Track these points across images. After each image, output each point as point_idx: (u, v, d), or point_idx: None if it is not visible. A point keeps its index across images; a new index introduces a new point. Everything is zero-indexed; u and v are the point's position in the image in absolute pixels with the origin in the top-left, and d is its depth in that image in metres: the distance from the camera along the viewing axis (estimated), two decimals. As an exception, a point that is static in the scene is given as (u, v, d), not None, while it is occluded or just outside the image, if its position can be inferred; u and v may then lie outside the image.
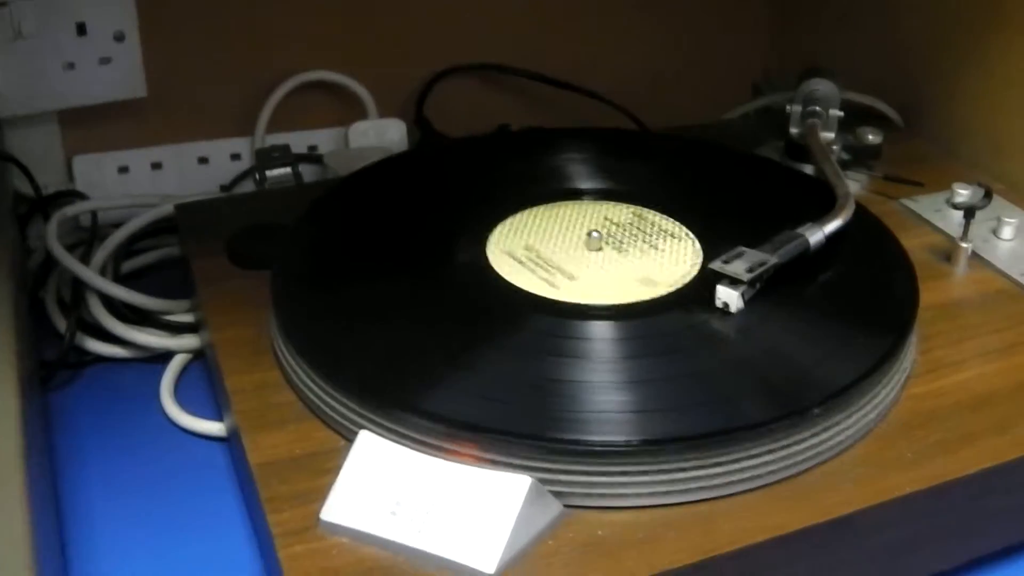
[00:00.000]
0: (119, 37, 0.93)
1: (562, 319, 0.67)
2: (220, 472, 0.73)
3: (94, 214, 0.92)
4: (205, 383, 0.80)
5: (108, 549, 0.67)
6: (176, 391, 0.79)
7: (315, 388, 0.64)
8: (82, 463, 0.74)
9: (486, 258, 0.74)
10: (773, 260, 0.69)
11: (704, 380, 0.63)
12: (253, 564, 0.66)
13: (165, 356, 0.82)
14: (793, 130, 0.91)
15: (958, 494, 0.62)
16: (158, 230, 0.92)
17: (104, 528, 0.69)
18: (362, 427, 0.60)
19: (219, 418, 0.75)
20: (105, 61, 0.94)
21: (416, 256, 0.74)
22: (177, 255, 0.91)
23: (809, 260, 0.72)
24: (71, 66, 0.93)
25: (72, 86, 0.94)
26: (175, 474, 0.73)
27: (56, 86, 0.93)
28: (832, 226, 0.73)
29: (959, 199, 0.85)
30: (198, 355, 0.82)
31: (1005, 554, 0.68)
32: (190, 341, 0.81)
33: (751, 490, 0.60)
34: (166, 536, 0.68)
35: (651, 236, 0.77)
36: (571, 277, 0.72)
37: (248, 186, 1.01)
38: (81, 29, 0.92)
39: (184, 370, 0.82)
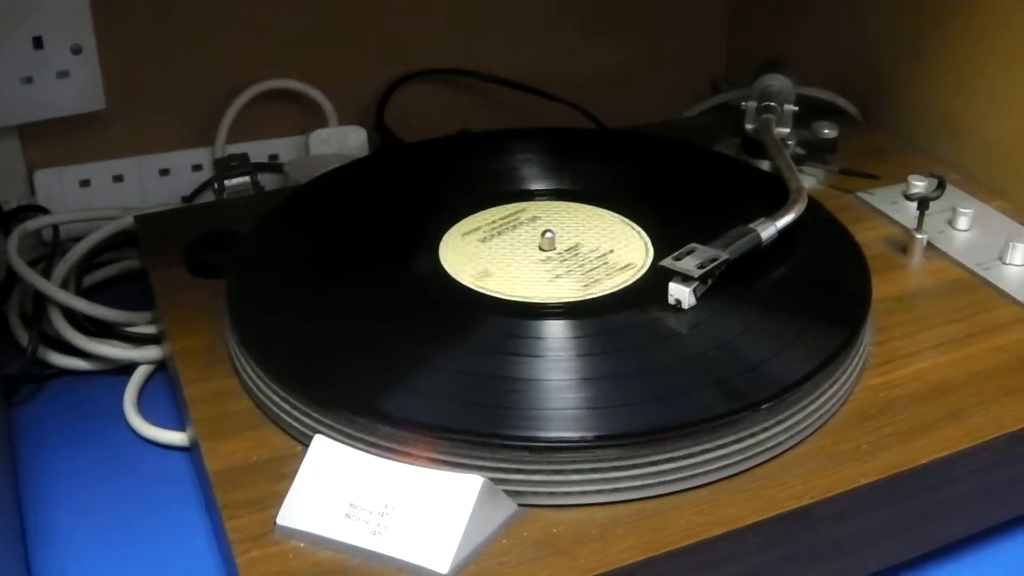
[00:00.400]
0: (76, 50, 0.93)
1: (514, 318, 0.68)
2: (184, 481, 0.73)
3: (55, 228, 0.92)
4: (168, 394, 0.80)
5: (74, 560, 0.68)
6: (139, 402, 0.79)
7: (270, 394, 0.64)
8: (47, 476, 0.74)
9: (439, 260, 0.74)
10: (724, 256, 0.69)
11: (657, 376, 0.63)
12: (218, 570, 0.66)
13: (128, 368, 0.82)
14: (748, 126, 0.92)
15: (913, 484, 0.62)
16: (119, 243, 0.92)
17: (70, 539, 0.69)
18: (316, 431, 0.61)
19: (182, 428, 0.75)
20: (63, 74, 0.94)
21: (370, 260, 0.75)
22: (138, 267, 0.91)
23: (762, 255, 0.73)
24: (29, 80, 0.93)
25: (31, 100, 0.94)
26: (140, 485, 0.73)
27: (15, 100, 0.93)
28: (784, 221, 0.74)
29: (914, 191, 0.85)
30: (161, 366, 0.82)
31: (961, 544, 0.69)
32: (153, 352, 0.82)
33: (705, 484, 0.60)
34: (131, 546, 0.68)
35: (605, 234, 0.77)
36: (524, 276, 0.72)
37: (210, 196, 1.01)
38: (38, 43, 0.92)
39: (147, 381, 0.82)
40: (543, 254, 0.75)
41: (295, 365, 0.64)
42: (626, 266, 0.73)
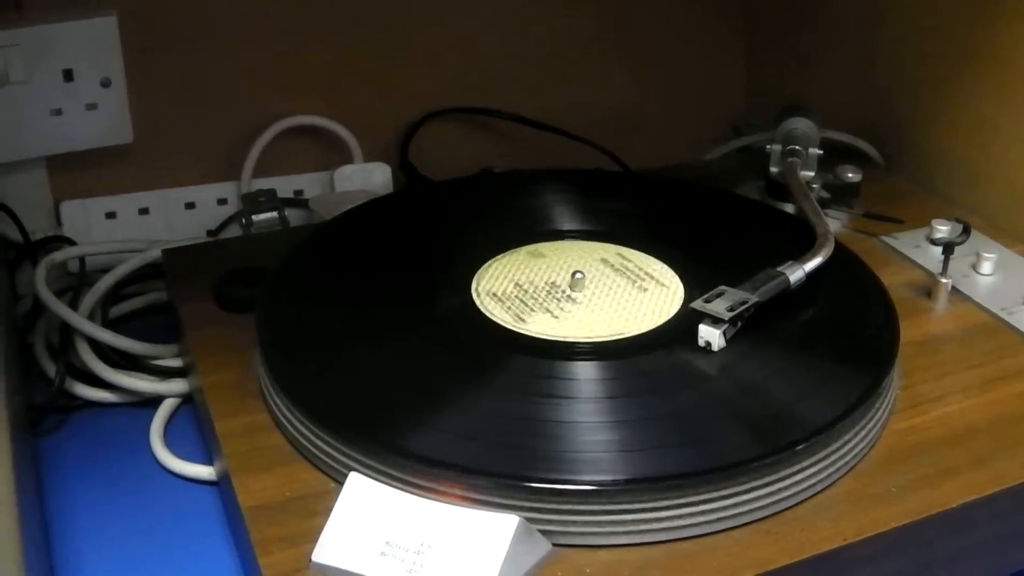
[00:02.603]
0: (105, 83, 0.94)
1: (547, 359, 0.68)
2: (210, 515, 0.73)
3: (82, 260, 0.92)
4: (193, 427, 0.80)
5: (99, 593, 0.68)
6: (165, 435, 0.80)
7: (303, 431, 0.64)
8: (72, 508, 0.74)
9: (472, 299, 0.75)
10: (754, 299, 0.70)
11: (687, 419, 0.64)
12: (244, 607, 0.66)
13: (154, 400, 0.82)
14: (773, 169, 0.92)
15: (941, 528, 0.63)
16: (145, 275, 0.93)
17: (95, 571, 0.69)
18: (351, 469, 0.61)
19: (209, 462, 0.75)
20: (92, 107, 0.95)
21: (402, 297, 0.75)
22: (164, 300, 0.91)
23: (790, 298, 0.73)
24: (58, 112, 0.94)
25: (59, 132, 0.94)
26: (165, 518, 0.73)
27: (43, 132, 0.94)
28: (812, 264, 0.74)
29: (938, 235, 0.86)
30: (186, 399, 0.82)
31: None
32: (179, 386, 0.82)
33: (736, 527, 0.60)
34: (157, 579, 0.69)
35: (634, 276, 0.77)
36: (556, 317, 0.72)
37: (235, 231, 1.01)
38: (68, 75, 0.93)
39: (173, 414, 0.82)
40: (574, 294, 0.75)
41: (330, 402, 0.64)
42: (656, 307, 0.74)
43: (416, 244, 0.82)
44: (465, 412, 0.64)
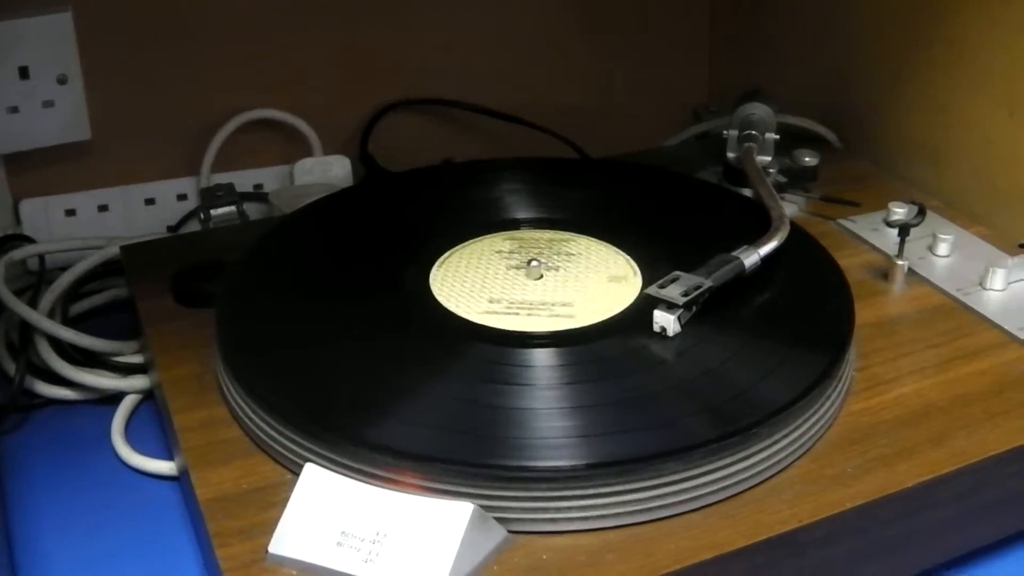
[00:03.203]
0: (62, 80, 0.94)
1: (502, 347, 0.68)
2: (173, 511, 0.73)
3: (41, 257, 0.92)
4: (156, 423, 0.80)
5: (63, 590, 0.68)
6: (127, 432, 0.79)
7: (260, 423, 0.64)
8: (34, 506, 0.74)
9: (428, 288, 0.75)
10: (708, 283, 0.70)
11: (644, 403, 0.64)
12: (207, 600, 0.66)
13: (115, 397, 0.82)
14: (730, 154, 0.92)
15: (898, 508, 0.63)
16: (105, 272, 0.93)
17: (58, 568, 0.69)
18: (307, 460, 0.61)
19: (170, 457, 0.75)
20: (49, 104, 0.94)
21: (358, 289, 0.75)
22: (124, 296, 0.91)
23: (746, 282, 0.73)
24: (15, 110, 0.93)
25: (16, 130, 0.94)
26: (128, 514, 0.73)
27: (0, 130, 0.93)
28: (767, 248, 0.75)
29: (894, 217, 0.86)
30: (148, 395, 0.82)
31: (946, 567, 0.69)
32: (140, 382, 0.82)
33: (693, 510, 0.60)
34: (120, 574, 0.68)
35: (590, 263, 0.78)
36: (512, 305, 0.73)
37: (195, 226, 1.01)
38: (24, 73, 0.93)
39: (135, 411, 0.82)
40: (529, 282, 0.75)
41: (286, 395, 0.64)
42: (612, 294, 0.74)
43: (376, 236, 0.82)
44: (420, 401, 0.64)
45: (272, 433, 0.64)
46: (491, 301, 0.73)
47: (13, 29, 0.91)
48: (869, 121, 1.04)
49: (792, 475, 0.63)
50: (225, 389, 0.69)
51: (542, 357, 0.68)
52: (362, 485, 0.59)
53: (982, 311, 0.78)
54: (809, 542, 0.61)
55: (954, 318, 0.78)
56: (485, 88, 1.12)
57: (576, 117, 1.13)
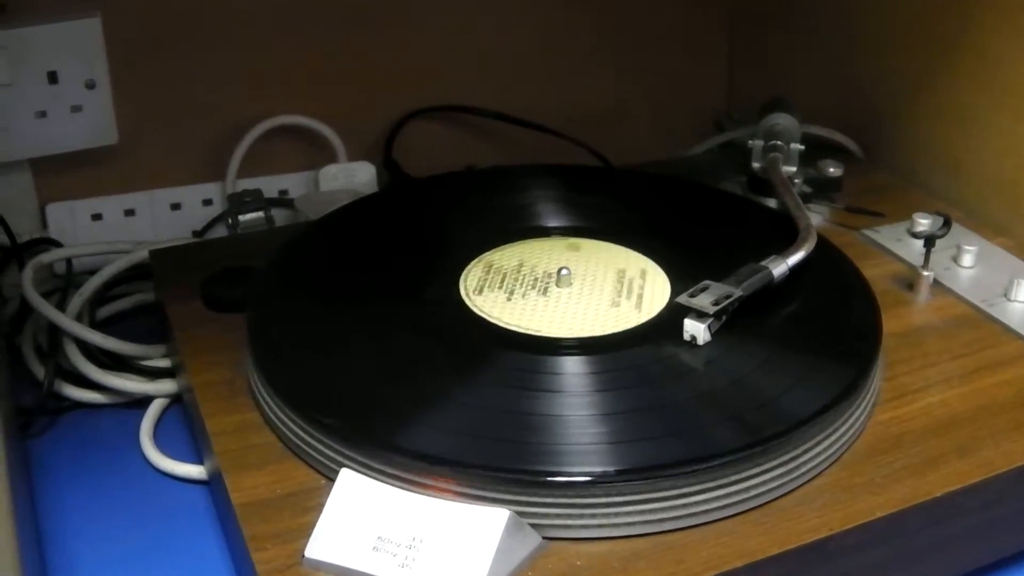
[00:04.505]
0: (90, 85, 0.94)
1: (535, 354, 0.69)
2: (201, 514, 0.73)
3: (69, 261, 0.93)
4: (182, 427, 0.80)
5: (93, 593, 0.68)
6: (154, 435, 0.80)
7: (294, 428, 0.65)
8: (63, 509, 0.74)
9: (459, 295, 0.75)
10: (738, 293, 0.70)
11: (675, 411, 0.64)
12: (236, 604, 0.67)
13: (142, 401, 0.83)
14: (755, 164, 0.93)
15: (926, 517, 0.63)
16: (131, 276, 0.93)
17: (87, 571, 0.69)
18: (342, 465, 0.61)
19: (198, 461, 0.76)
20: (77, 109, 0.95)
21: (390, 295, 0.76)
22: (151, 300, 0.91)
23: (774, 292, 0.74)
24: (43, 114, 0.94)
25: (44, 134, 0.95)
26: (157, 517, 0.73)
27: (28, 135, 0.94)
28: (795, 258, 0.75)
29: (919, 228, 0.87)
30: (175, 399, 0.83)
31: (972, 575, 0.70)
32: (167, 386, 0.82)
33: (724, 518, 0.61)
34: (148, 578, 0.69)
35: (619, 271, 0.78)
36: (544, 313, 0.73)
37: (220, 231, 1.02)
38: (53, 78, 0.93)
39: (161, 414, 0.82)
40: (560, 290, 0.76)
41: (322, 400, 0.65)
42: (641, 302, 0.74)
43: (403, 242, 0.82)
44: (454, 407, 0.64)
45: (307, 438, 0.64)
46: (521, 307, 0.73)
47: (42, 34, 0.91)
48: (890, 130, 1.04)
49: (822, 484, 0.64)
50: (258, 394, 0.69)
51: (573, 364, 0.68)
52: (398, 491, 0.60)
53: (1007, 322, 0.78)
54: (839, 550, 0.61)
55: (979, 329, 0.78)
56: (505, 95, 1.12)
57: (596, 125, 1.14)
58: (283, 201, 1.04)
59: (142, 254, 0.89)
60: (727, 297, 0.70)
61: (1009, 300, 0.81)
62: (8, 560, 0.56)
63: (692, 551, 0.59)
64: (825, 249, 0.80)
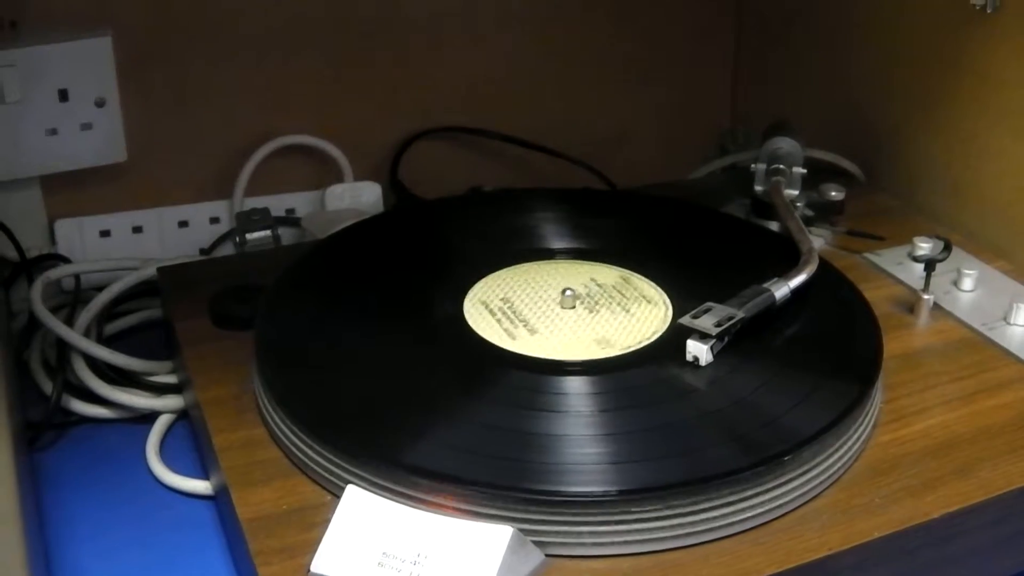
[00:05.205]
0: (100, 103, 0.95)
1: (539, 374, 0.70)
2: (206, 529, 0.73)
3: (77, 277, 0.93)
4: (187, 442, 0.81)
5: (98, 607, 0.69)
6: (160, 451, 0.80)
7: (300, 445, 0.66)
8: (70, 523, 0.74)
9: (463, 316, 0.76)
10: (740, 315, 0.71)
11: (677, 431, 0.65)
12: (241, 618, 0.67)
13: (149, 416, 0.83)
14: (758, 188, 0.94)
15: (925, 538, 0.64)
16: (139, 292, 0.94)
17: (93, 585, 0.70)
18: (347, 482, 0.62)
19: (204, 476, 0.76)
20: (86, 127, 0.96)
21: (396, 314, 0.77)
22: (157, 317, 0.92)
23: (776, 314, 0.75)
24: (53, 132, 0.95)
25: (54, 151, 0.95)
26: (162, 532, 0.73)
27: (38, 151, 0.95)
28: (797, 281, 0.76)
29: (920, 252, 0.88)
30: (181, 415, 0.83)
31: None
32: (174, 401, 0.83)
33: (725, 537, 0.62)
34: (154, 592, 0.69)
35: (623, 293, 0.79)
36: (547, 334, 0.74)
37: (227, 248, 1.03)
38: (63, 95, 0.94)
39: (167, 430, 0.83)
40: (563, 312, 0.76)
41: (328, 418, 0.66)
42: (645, 324, 0.75)
43: (409, 262, 0.83)
44: (459, 426, 0.65)
45: (313, 455, 0.65)
46: (524, 328, 0.74)
47: (53, 53, 0.92)
48: (890, 153, 1.05)
49: (822, 504, 0.64)
50: (265, 411, 0.70)
51: (577, 384, 0.69)
52: (403, 507, 0.60)
53: (1006, 345, 0.79)
54: (838, 570, 0.62)
55: (979, 352, 0.79)
56: (511, 117, 1.13)
57: (600, 147, 1.15)
58: (289, 220, 1.04)
59: (150, 271, 0.90)
60: (730, 319, 0.71)
61: (1009, 324, 0.81)
62: (18, 572, 0.56)
63: (693, 569, 0.59)
64: (827, 272, 0.81)
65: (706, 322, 0.70)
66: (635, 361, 0.72)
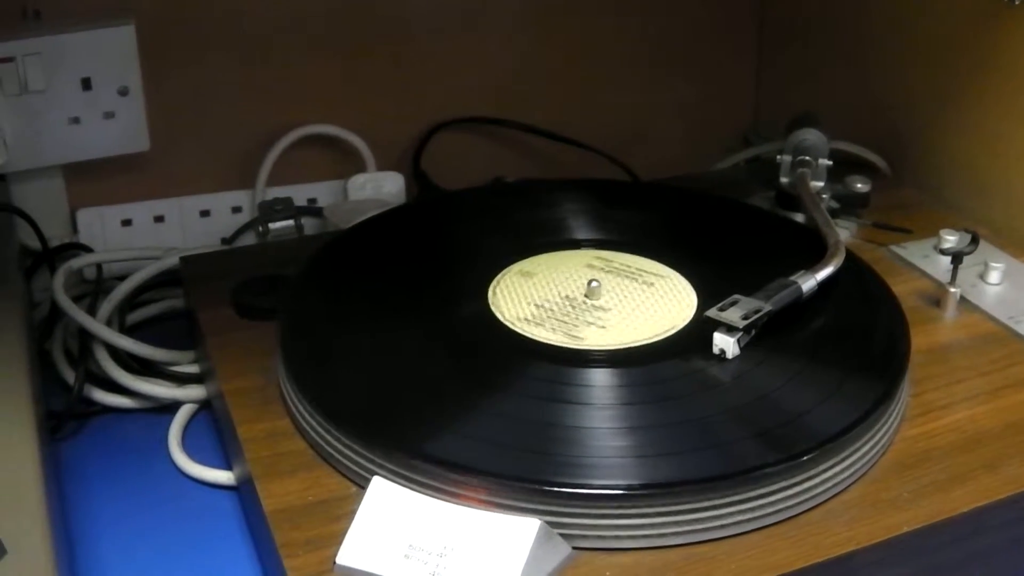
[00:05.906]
0: (123, 92, 0.95)
1: (565, 366, 0.69)
2: (228, 519, 0.73)
3: (99, 266, 0.93)
4: (210, 432, 0.81)
5: (121, 597, 0.69)
6: (183, 440, 0.80)
7: (326, 436, 0.65)
8: (92, 512, 0.74)
9: (489, 306, 0.76)
10: (767, 307, 0.71)
11: (703, 425, 0.65)
12: (264, 609, 0.67)
13: (171, 406, 0.83)
14: (783, 179, 0.93)
15: (952, 532, 0.64)
16: (161, 282, 0.93)
17: (117, 573, 0.70)
18: (373, 473, 0.62)
19: (226, 467, 0.76)
20: (109, 116, 0.95)
21: (420, 305, 0.76)
22: (178, 307, 0.92)
23: (802, 307, 0.74)
24: (76, 120, 0.94)
25: (77, 140, 0.95)
26: (185, 522, 0.74)
27: (61, 140, 0.95)
28: (824, 273, 0.76)
29: (946, 245, 0.87)
30: (203, 405, 0.83)
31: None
32: (196, 391, 0.83)
33: (753, 531, 0.61)
34: (176, 582, 0.70)
35: (648, 285, 0.78)
36: (573, 325, 0.73)
37: (249, 238, 1.02)
38: (86, 84, 0.94)
39: (190, 420, 0.83)
40: (589, 302, 0.76)
41: (354, 409, 0.65)
42: (671, 316, 0.75)
43: (433, 252, 0.83)
44: (485, 418, 0.65)
45: (339, 446, 0.65)
46: (551, 319, 0.74)
47: (76, 41, 0.92)
48: (916, 148, 1.04)
49: (849, 498, 0.64)
50: (290, 402, 0.70)
51: (604, 377, 0.69)
52: (429, 499, 0.60)
53: (1034, 340, 0.79)
54: (865, 564, 0.61)
55: (1006, 346, 0.79)
56: (535, 108, 1.13)
57: (624, 139, 1.14)
58: (312, 210, 1.04)
59: (172, 260, 0.90)
60: (757, 312, 0.70)
61: (1036, 318, 0.81)
62: (43, 561, 0.56)
63: (720, 563, 0.59)
64: (853, 265, 0.80)
65: (733, 315, 0.70)
66: (661, 354, 0.71)
